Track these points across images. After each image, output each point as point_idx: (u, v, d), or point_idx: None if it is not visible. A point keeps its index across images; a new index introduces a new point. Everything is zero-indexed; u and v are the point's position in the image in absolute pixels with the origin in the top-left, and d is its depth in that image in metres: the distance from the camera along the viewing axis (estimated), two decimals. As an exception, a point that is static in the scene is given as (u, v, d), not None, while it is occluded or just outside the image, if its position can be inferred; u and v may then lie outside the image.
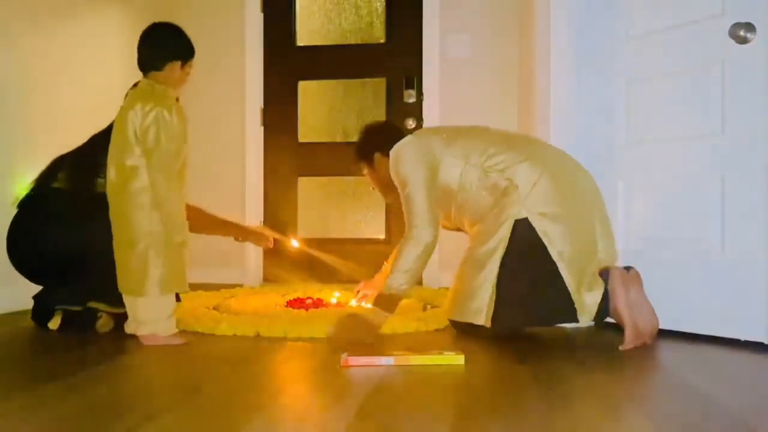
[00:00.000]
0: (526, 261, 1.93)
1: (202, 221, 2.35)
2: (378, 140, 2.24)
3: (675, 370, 1.69)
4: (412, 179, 2.03)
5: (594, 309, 1.89)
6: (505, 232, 1.95)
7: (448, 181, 2.06)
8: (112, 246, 1.92)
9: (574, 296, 1.89)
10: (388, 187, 2.19)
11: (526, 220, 1.93)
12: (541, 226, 1.92)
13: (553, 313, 1.98)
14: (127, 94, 2.04)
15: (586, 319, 1.91)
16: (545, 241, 1.90)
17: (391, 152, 2.11)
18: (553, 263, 1.90)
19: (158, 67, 2.02)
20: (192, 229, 2.23)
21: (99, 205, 1.98)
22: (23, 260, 2.16)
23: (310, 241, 3.81)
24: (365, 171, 2.31)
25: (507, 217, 1.95)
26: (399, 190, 2.09)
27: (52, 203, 2.16)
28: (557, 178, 1.99)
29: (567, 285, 1.89)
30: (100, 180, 2.10)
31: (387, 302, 1.97)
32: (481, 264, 1.97)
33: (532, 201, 1.94)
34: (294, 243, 2.63)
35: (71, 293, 2.13)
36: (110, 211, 1.95)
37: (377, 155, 2.23)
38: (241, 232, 2.55)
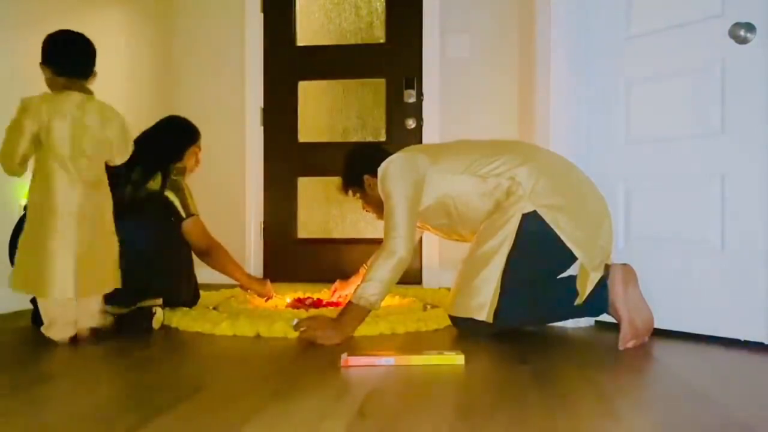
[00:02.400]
0: (537, 253, 1.96)
1: (221, 258, 2.47)
2: (364, 163, 2.24)
3: (675, 370, 1.69)
4: (395, 193, 2.03)
5: (586, 292, 1.94)
6: (511, 228, 1.96)
7: (441, 194, 2.06)
8: (130, 250, 2.02)
9: (579, 282, 1.95)
10: (381, 207, 2.15)
11: (534, 213, 1.94)
12: (551, 216, 1.94)
13: (557, 305, 2.02)
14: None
15: (578, 300, 1.95)
16: (557, 230, 1.93)
17: (379, 169, 2.11)
18: (566, 251, 1.93)
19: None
20: (211, 264, 2.46)
21: (130, 209, 2.13)
22: None
23: (310, 241, 3.83)
24: (357, 196, 2.32)
25: (514, 212, 1.96)
26: (384, 203, 2.08)
27: None
28: (556, 176, 2.03)
29: (583, 264, 1.94)
30: (127, 188, 2.23)
31: (354, 315, 1.94)
32: (485, 261, 1.97)
33: (537, 194, 1.96)
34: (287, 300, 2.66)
35: None
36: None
37: (367, 177, 2.23)
38: (247, 282, 2.59)
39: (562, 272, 2.04)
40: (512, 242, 1.95)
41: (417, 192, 2.05)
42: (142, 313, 2.13)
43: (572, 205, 1.98)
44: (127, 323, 2.10)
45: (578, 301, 1.95)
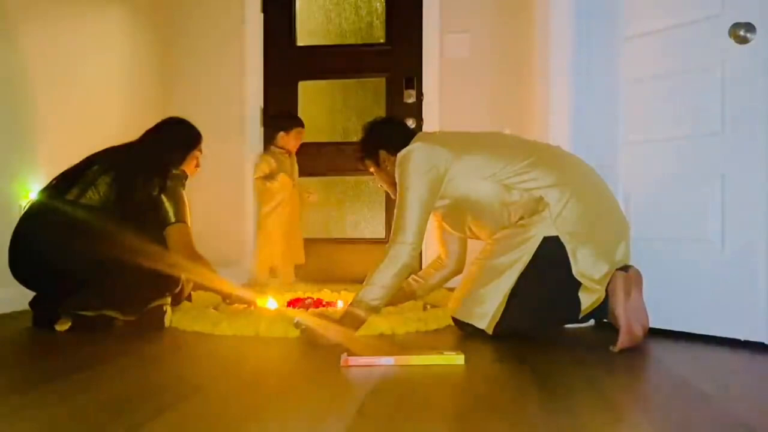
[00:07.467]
0: (549, 277, 1.92)
1: (202, 272, 2.33)
2: (382, 137, 2.21)
3: (675, 370, 1.69)
4: (409, 192, 1.97)
5: (588, 306, 1.92)
6: (531, 247, 1.92)
7: (460, 195, 2.02)
8: (128, 256, 2.06)
9: (583, 296, 1.91)
10: (394, 185, 2.10)
11: (556, 238, 1.90)
12: (571, 247, 1.90)
13: (558, 323, 2.05)
14: None
15: (580, 314, 1.93)
16: (572, 262, 1.89)
17: (398, 156, 2.04)
18: (575, 282, 1.90)
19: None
20: (190, 276, 2.36)
21: (129, 218, 2.17)
22: (32, 269, 2.17)
23: (310, 241, 3.82)
24: (372, 169, 2.27)
25: (536, 232, 1.92)
26: (397, 193, 2.04)
27: (69, 215, 2.17)
28: (585, 198, 1.97)
29: (581, 301, 1.90)
30: (137, 194, 2.23)
31: (355, 318, 1.91)
32: (498, 272, 1.94)
33: (563, 220, 1.92)
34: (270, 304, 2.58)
35: (83, 300, 2.12)
36: None
37: (383, 153, 2.19)
38: (231, 293, 2.49)
39: (570, 293, 1.96)
40: (528, 261, 1.92)
41: (433, 193, 1.99)
42: (155, 312, 2.17)
43: (594, 235, 1.93)
44: (142, 323, 2.15)
45: (580, 315, 1.94)
